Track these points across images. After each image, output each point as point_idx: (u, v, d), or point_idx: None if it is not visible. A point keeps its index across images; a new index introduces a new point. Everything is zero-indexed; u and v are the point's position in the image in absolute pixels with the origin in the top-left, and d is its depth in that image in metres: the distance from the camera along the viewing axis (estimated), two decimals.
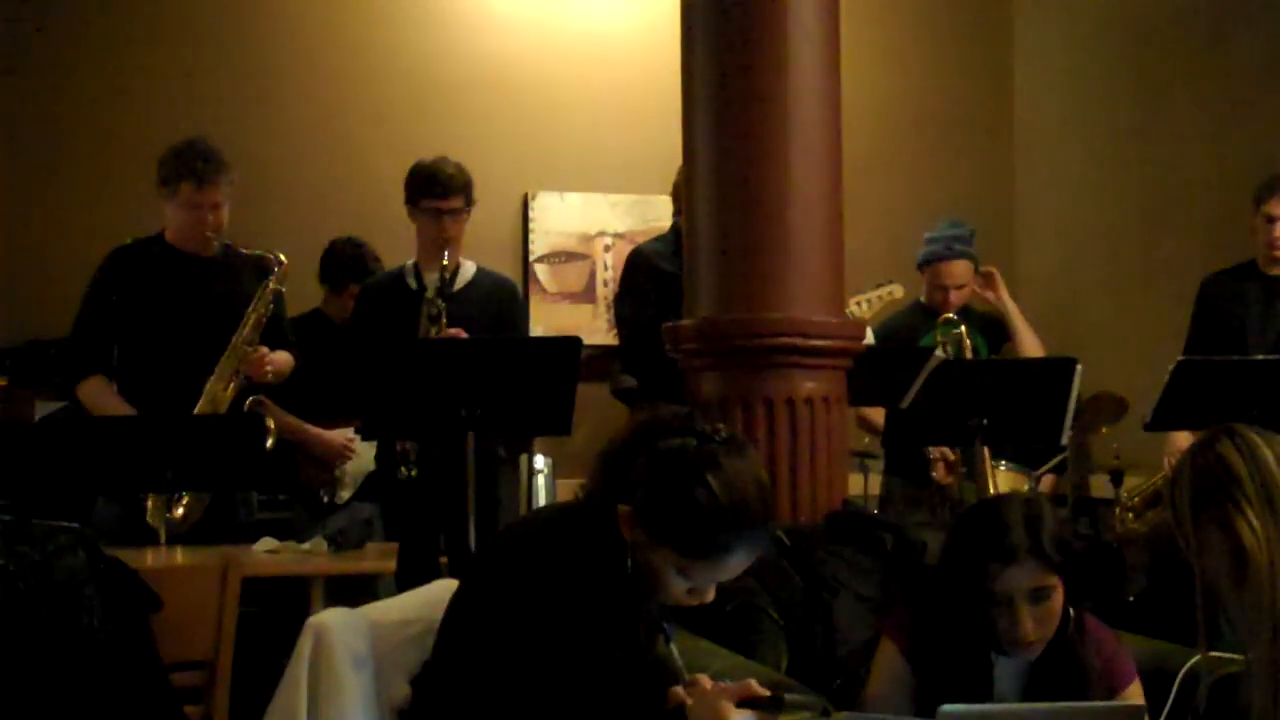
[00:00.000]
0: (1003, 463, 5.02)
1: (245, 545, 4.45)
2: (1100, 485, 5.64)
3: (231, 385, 4.55)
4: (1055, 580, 2.61)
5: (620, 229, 6.61)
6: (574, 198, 6.61)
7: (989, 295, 5.29)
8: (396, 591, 3.59)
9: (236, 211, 6.07)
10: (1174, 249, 5.98)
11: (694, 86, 3.92)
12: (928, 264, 5.26)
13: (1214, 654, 2.57)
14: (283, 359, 4.72)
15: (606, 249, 6.62)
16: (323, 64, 6.43)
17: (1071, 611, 2.66)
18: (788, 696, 2.20)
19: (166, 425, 4.23)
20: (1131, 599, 4.46)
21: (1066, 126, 6.82)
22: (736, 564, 2.28)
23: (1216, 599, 2.47)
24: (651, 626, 2.33)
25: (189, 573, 3.30)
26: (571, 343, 3.89)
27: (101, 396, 4.52)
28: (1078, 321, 6.33)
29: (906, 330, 5.22)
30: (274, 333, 4.72)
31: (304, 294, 5.60)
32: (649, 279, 4.64)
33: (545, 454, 5.46)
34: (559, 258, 6.58)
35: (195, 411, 4.45)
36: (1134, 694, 2.72)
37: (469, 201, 4.59)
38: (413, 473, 4.31)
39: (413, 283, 4.58)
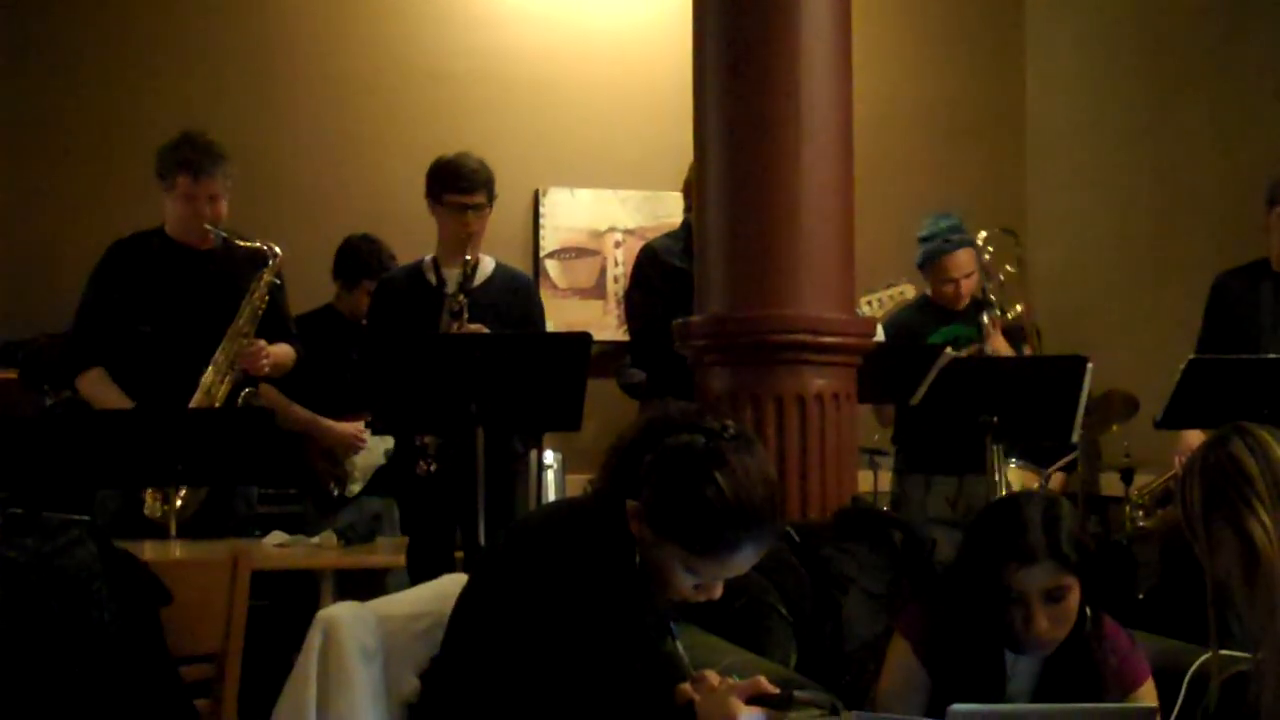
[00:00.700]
0: (1013, 460, 5.01)
1: (244, 538, 4.45)
2: (1111, 483, 5.64)
3: (228, 378, 4.54)
4: (1072, 580, 2.61)
5: (631, 225, 6.61)
6: (585, 193, 6.61)
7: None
8: (410, 586, 3.59)
9: (245, 207, 6.08)
10: (1185, 248, 5.98)
11: (705, 82, 3.92)
12: (931, 261, 5.22)
13: (1224, 652, 2.57)
14: (282, 352, 4.72)
15: (617, 245, 6.62)
16: (332, 60, 6.44)
17: (1089, 611, 2.66)
18: (797, 694, 2.19)
19: (178, 418, 4.23)
20: (1141, 597, 4.45)
21: (1078, 126, 6.81)
22: (744, 561, 2.27)
23: (1227, 597, 2.47)
24: (660, 622, 2.33)
25: (199, 566, 3.30)
26: (581, 338, 3.89)
27: (101, 388, 4.52)
28: (1089, 320, 6.33)
29: (914, 327, 5.20)
30: (274, 325, 4.71)
31: (314, 289, 5.61)
32: (660, 275, 4.63)
33: (554, 449, 5.47)
34: (569, 253, 6.59)
35: (191, 405, 4.45)
36: (1147, 694, 2.72)
37: (491, 197, 4.58)
38: (433, 467, 4.31)
39: (432, 278, 4.57)
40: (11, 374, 5.39)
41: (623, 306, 5.69)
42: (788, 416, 3.75)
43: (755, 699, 2.17)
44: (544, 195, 6.53)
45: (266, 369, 4.63)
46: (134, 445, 4.03)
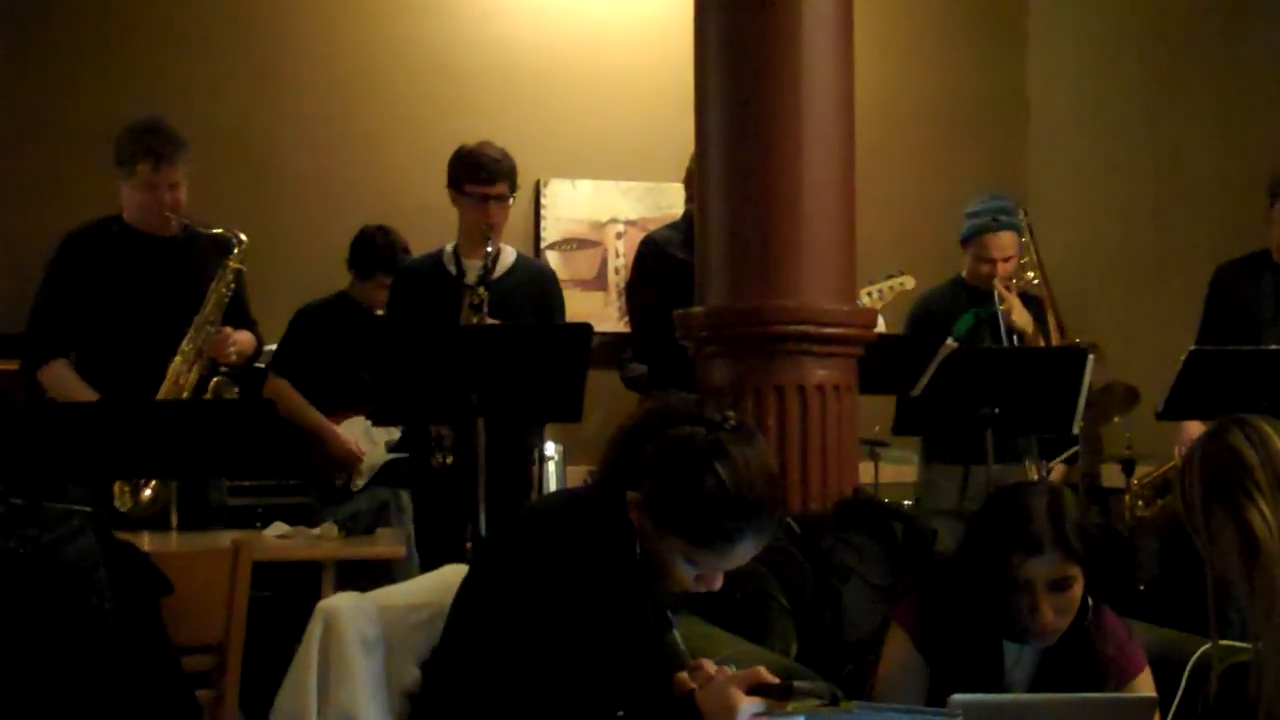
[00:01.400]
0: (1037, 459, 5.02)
1: (215, 530, 4.43)
2: (1112, 475, 5.64)
3: (195, 367, 4.50)
4: (1077, 571, 2.61)
5: (632, 216, 6.61)
6: (586, 185, 6.61)
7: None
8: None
9: (245, 198, 6.10)
10: (1186, 239, 5.97)
11: (707, 73, 3.92)
12: (973, 237, 5.13)
13: (1224, 643, 2.57)
14: (245, 339, 4.69)
15: (618, 236, 6.62)
16: (334, 51, 6.44)
17: (1090, 601, 2.66)
18: (797, 684, 2.20)
19: (182, 410, 4.21)
20: (1142, 588, 4.46)
21: (1079, 117, 6.80)
22: (744, 552, 2.28)
23: (1227, 588, 2.47)
24: (660, 613, 2.33)
25: (200, 556, 3.29)
26: (582, 329, 3.89)
27: (65, 381, 4.45)
28: (1090, 311, 6.32)
29: (944, 307, 5.17)
30: (235, 313, 4.67)
31: (314, 280, 5.61)
32: (661, 266, 4.63)
33: (555, 441, 5.48)
34: (570, 245, 6.59)
35: (160, 395, 4.40)
36: (1144, 684, 2.72)
37: (513, 188, 4.56)
38: (448, 460, 4.29)
39: (452, 268, 4.55)
40: (13, 365, 5.38)
41: (624, 298, 5.70)
42: (788, 407, 3.75)
43: (756, 689, 2.17)
44: (545, 186, 6.53)
45: (233, 357, 4.60)
46: (139, 438, 4.02)
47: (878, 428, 5.21)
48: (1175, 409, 4.22)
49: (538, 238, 6.52)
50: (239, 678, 3.04)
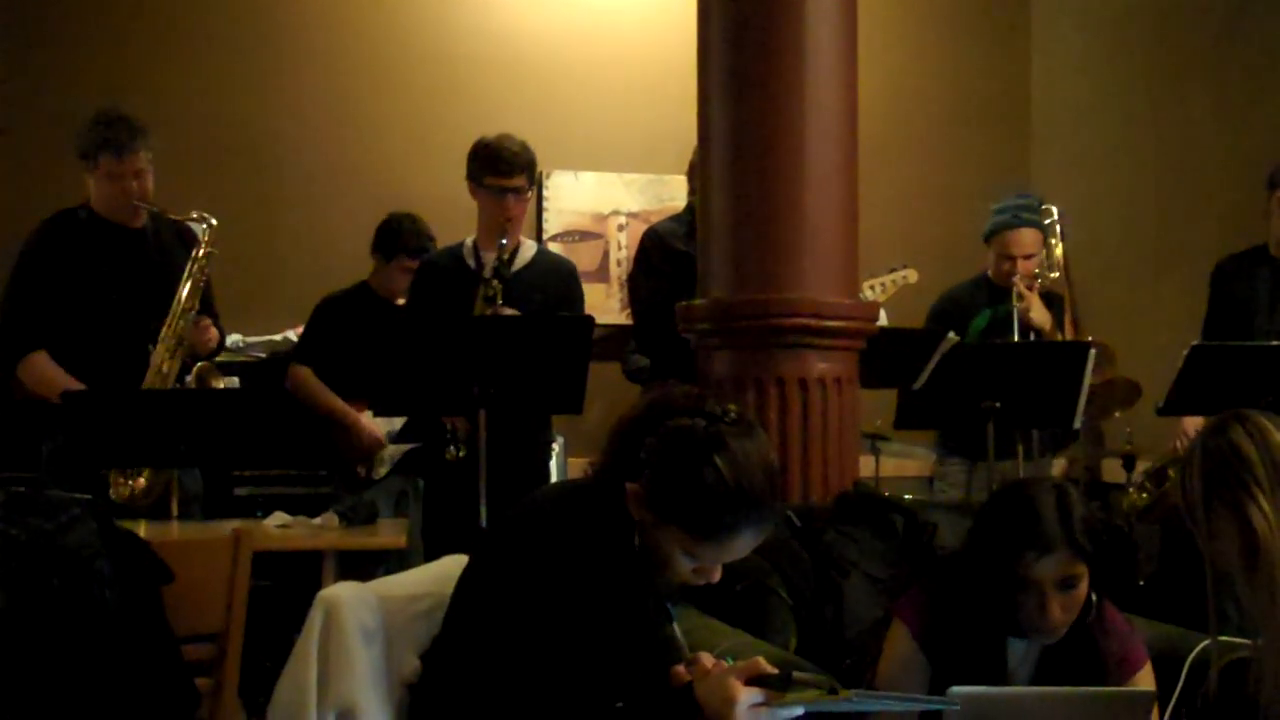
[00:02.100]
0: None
1: (195, 520, 4.44)
2: (1112, 469, 5.64)
3: (176, 355, 4.49)
4: (1083, 569, 2.61)
5: (634, 208, 6.61)
6: (588, 177, 6.61)
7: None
8: None
9: (248, 188, 6.10)
10: (1189, 234, 5.97)
11: (710, 66, 3.91)
12: (995, 234, 5.15)
13: (1224, 639, 2.57)
14: (214, 333, 4.71)
15: (620, 228, 6.62)
16: (337, 42, 6.43)
17: (1094, 597, 2.66)
18: (796, 675, 2.20)
19: (203, 400, 4.26)
20: (1142, 583, 4.46)
21: (1082, 112, 6.80)
22: (743, 545, 2.28)
23: (1226, 584, 2.47)
24: (659, 604, 2.33)
25: (201, 545, 3.30)
26: (584, 321, 3.89)
27: (47, 372, 4.41)
28: (1092, 306, 6.32)
29: (964, 304, 5.18)
30: (202, 301, 4.66)
31: (314, 271, 5.62)
32: (663, 258, 4.63)
33: (556, 432, 5.47)
34: (573, 236, 6.58)
35: (144, 385, 4.40)
36: (1145, 679, 2.72)
37: (532, 180, 4.55)
38: (462, 453, 4.29)
39: (471, 262, 4.54)
40: None
41: (626, 290, 5.69)
42: (790, 400, 3.75)
43: (754, 680, 2.17)
44: (547, 178, 6.53)
45: (212, 346, 4.62)
46: (158, 427, 4.03)
47: (879, 421, 5.21)
48: (1176, 404, 4.22)
49: (540, 229, 6.52)
50: (239, 666, 3.05)
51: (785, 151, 3.78)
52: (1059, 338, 5.06)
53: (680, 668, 2.26)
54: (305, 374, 5.11)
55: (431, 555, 4.13)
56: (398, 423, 5.11)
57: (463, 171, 4.60)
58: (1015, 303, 5.01)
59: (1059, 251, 5.28)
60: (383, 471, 5.11)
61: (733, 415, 2.28)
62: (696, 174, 4.23)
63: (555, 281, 4.58)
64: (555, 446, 5.50)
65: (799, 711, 2.15)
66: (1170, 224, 6.15)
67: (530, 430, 4.52)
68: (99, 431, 4.11)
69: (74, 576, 2.66)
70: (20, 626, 2.61)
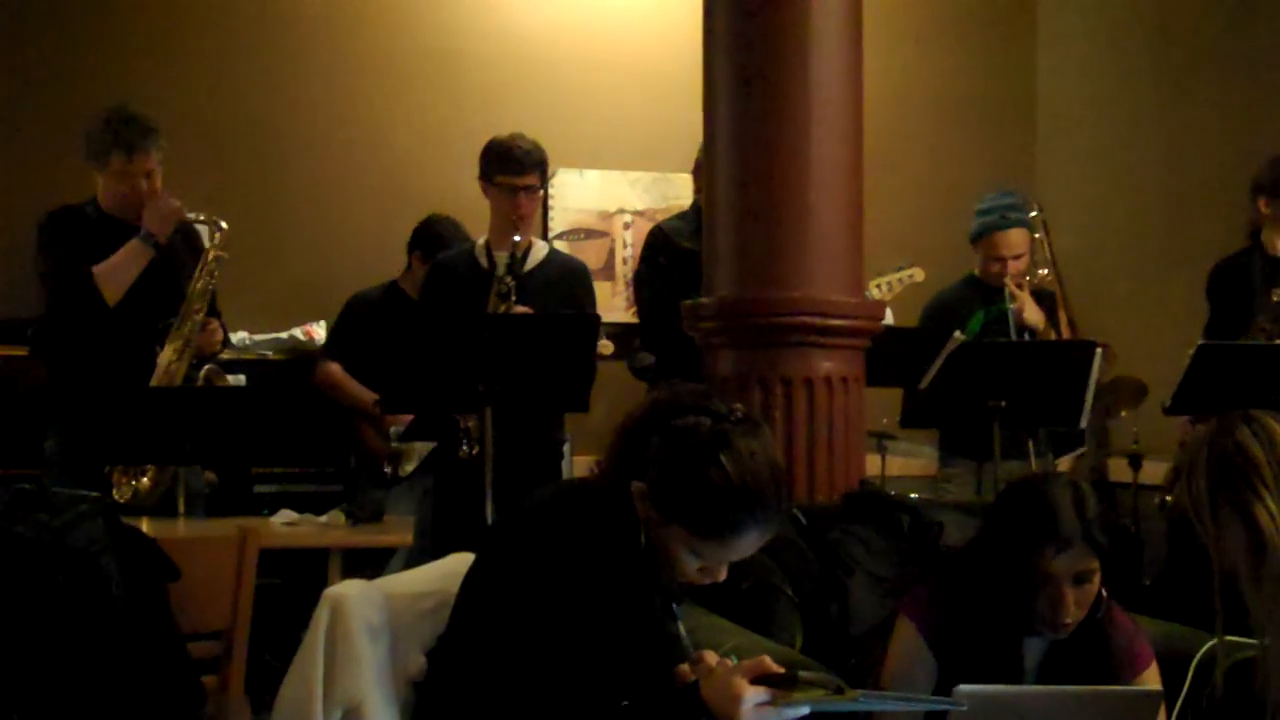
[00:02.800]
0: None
1: (199, 518, 4.45)
2: (1119, 469, 5.64)
3: (185, 355, 4.48)
4: (1097, 564, 2.61)
5: (640, 206, 6.61)
6: (593, 175, 6.60)
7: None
8: None
9: (250, 185, 6.09)
10: (1195, 234, 5.96)
11: (715, 64, 3.91)
12: (983, 236, 5.13)
13: (1230, 638, 2.57)
14: (221, 336, 4.70)
15: (626, 226, 6.61)
16: (343, 39, 6.42)
17: (1104, 593, 2.66)
18: (802, 674, 2.20)
19: (234, 398, 4.30)
20: (1148, 583, 4.45)
21: (1088, 111, 6.79)
22: (748, 544, 2.27)
23: (1233, 584, 2.47)
24: (665, 603, 2.33)
25: (207, 543, 3.31)
26: (590, 320, 3.89)
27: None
28: (1099, 306, 6.31)
29: (956, 305, 5.16)
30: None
31: (315, 268, 5.62)
32: (669, 257, 4.63)
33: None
34: (578, 235, 6.58)
35: (151, 384, 4.39)
36: (1151, 677, 2.72)
37: (544, 179, 4.56)
38: (475, 451, 4.29)
39: (484, 261, 4.55)
40: (21, 350, 5.38)
41: (631, 288, 5.69)
42: (795, 399, 3.75)
43: (760, 678, 2.17)
44: (553, 176, 6.51)
45: (218, 347, 4.62)
46: (162, 425, 4.04)
47: (885, 420, 5.21)
48: (1184, 404, 4.21)
49: (545, 227, 6.51)
50: (245, 663, 3.06)
51: (791, 150, 3.78)
52: (1053, 336, 5.06)
53: (684, 667, 2.26)
54: (334, 369, 5.18)
55: (441, 553, 4.14)
56: (404, 419, 5.12)
57: (468, 170, 4.60)
58: (1009, 303, 5.00)
59: (1047, 248, 5.25)
60: (409, 468, 5.13)
61: (738, 414, 2.29)
62: (702, 172, 4.23)
63: (565, 282, 4.58)
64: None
65: (805, 711, 2.15)
66: (1177, 223, 6.14)
67: (543, 430, 4.52)
68: (102, 429, 4.11)
69: (80, 574, 2.67)
70: (26, 623, 2.61)
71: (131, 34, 6.21)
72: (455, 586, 2.44)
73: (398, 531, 4.51)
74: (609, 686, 2.26)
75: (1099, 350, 4.33)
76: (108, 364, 4.40)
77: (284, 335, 6.00)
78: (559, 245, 6.46)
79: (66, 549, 2.67)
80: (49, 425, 4.49)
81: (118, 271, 4.40)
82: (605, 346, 5.00)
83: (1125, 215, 6.49)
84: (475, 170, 4.61)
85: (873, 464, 5.03)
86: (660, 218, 5.49)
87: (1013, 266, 5.07)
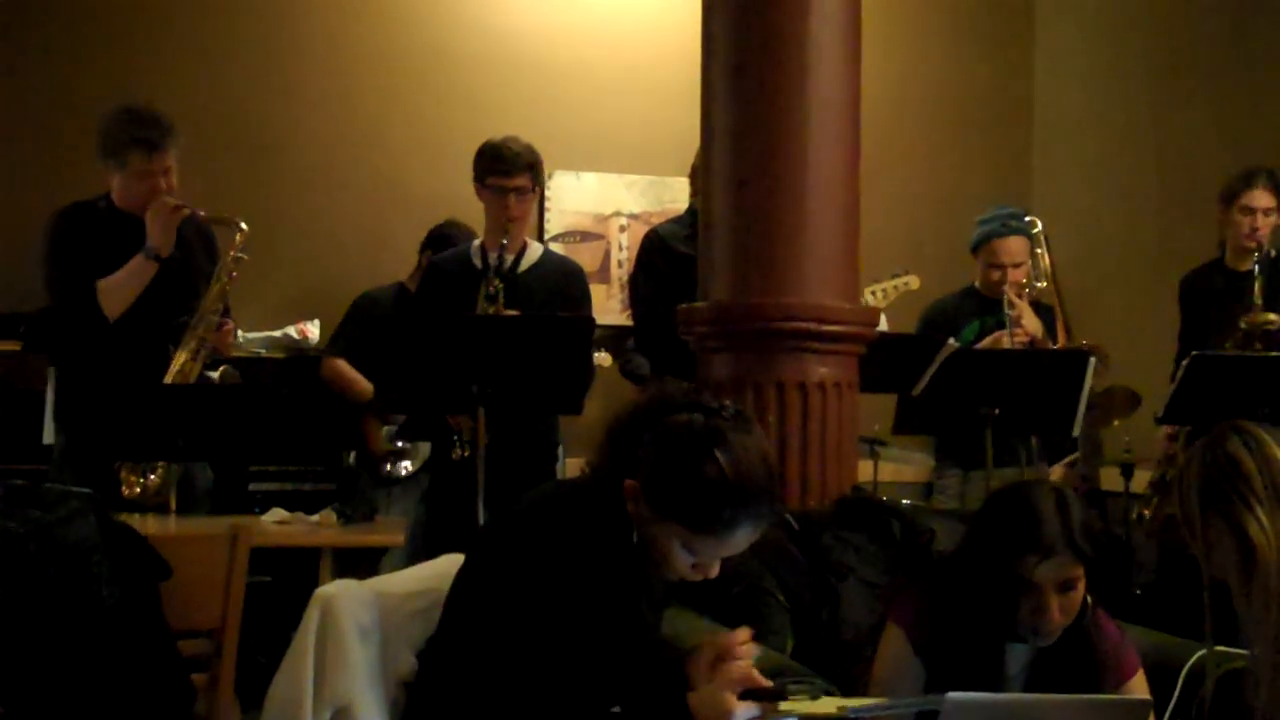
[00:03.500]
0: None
1: (203, 515, 4.45)
2: (1111, 478, 5.64)
3: (200, 356, 4.45)
4: (1081, 571, 2.61)
5: (635, 210, 6.61)
6: (590, 178, 6.61)
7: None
8: None
9: (246, 184, 6.09)
10: (1190, 242, 5.96)
11: (713, 68, 3.92)
12: (983, 244, 5.15)
13: (1220, 648, 2.57)
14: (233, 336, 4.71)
15: (622, 229, 6.62)
16: (340, 41, 6.43)
17: (1089, 600, 2.66)
18: (790, 688, 2.20)
19: (236, 395, 4.30)
20: (1138, 592, 4.46)
21: (1085, 117, 6.80)
22: (742, 539, 2.28)
23: (1223, 595, 2.47)
24: (657, 602, 2.34)
25: (198, 541, 3.29)
26: (584, 322, 3.89)
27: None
28: (1092, 314, 6.32)
29: (952, 314, 5.17)
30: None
31: (320, 266, 5.61)
32: (664, 261, 4.64)
33: None
34: (574, 237, 6.58)
35: (165, 382, 4.36)
36: (1138, 685, 2.72)
37: (536, 181, 4.55)
38: (467, 453, 4.29)
39: (478, 262, 4.56)
40: (15, 345, 5.38)
41: (627, 291, 5.70)
42: (789, 404, 3.75)
43: (749, 693, 2.18)
44: (549, 179, 6.52)
45: (232, 349, 4.63)
46: (165, 422, 4.03)
47: (878, 426, 5.21)
48: (1176, 414, 4.22)
49: (541, 230, 6.51)
50: (235, 662, 3.05)
51: (787, 155, 3.79)
52: (1049, 347, 5.06)
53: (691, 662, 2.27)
54: (340, 365, 5.24)
55: (433, 554, 4.14)
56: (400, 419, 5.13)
57: (464, 171, 4.61)
58: (1007, 311, 5.00)
59: (1046, 261, 5.27)
60: (410, 468, 5.13)
61: (730, 410, 2.30)
62: (698, 176, 4.24)
63: (559, 284, 4.58)
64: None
65: None
66: (1172, 231, 6.15)
67: (538, 432, 4.52)
68: (107, 425, 4.11)
69: (71, 570, 2.66)
70: (17, 620, 2.61)
71: (130, 35, 6.22)
72: (446, 587, 2.44)
73: (389, 532, 4.50)
74: (599, 686, 2.27)
75: (1092, 359, 4.34)
76: (117, 362, 4.37)
77: (278, 334, 6.00)
78: (555, 247, 6.46)
79: (58, 545, 2.66)
80: (56, 421, 4.48)
81: (121, 288, 4.36)
82: (603, 359, 5.01)
83: (1121, 223, 6.50)
84: (471, 173, 4.61)
85: (865, 470, 5.03)
86: (656, 221, 5.49)
87: (1013, 274, 5.08)
